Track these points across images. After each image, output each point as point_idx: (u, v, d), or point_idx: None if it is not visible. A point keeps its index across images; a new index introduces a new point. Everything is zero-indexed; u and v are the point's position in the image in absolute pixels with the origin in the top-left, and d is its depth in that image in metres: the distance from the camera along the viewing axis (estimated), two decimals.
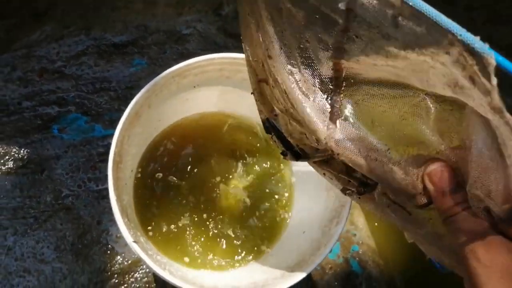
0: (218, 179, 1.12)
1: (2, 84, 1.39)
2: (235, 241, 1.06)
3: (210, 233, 1.06)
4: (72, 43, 1.50)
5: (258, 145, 1.19)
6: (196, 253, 1.03)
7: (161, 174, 1.10)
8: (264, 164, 1.17)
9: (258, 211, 1.11)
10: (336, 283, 1.34)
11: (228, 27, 1.61)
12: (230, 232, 1.06)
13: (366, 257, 1.42)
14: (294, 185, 1.18)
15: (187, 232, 1.05)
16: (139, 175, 1.08)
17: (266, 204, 1.13)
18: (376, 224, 1.62)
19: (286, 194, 1.15)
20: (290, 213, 1.09)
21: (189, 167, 1.12)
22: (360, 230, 1.45)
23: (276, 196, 1.15)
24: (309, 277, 1.30)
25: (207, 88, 1.08)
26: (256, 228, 1.09)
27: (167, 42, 1.56)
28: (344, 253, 1.39)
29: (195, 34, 1.58)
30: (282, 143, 0.70)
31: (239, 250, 1.06)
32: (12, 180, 1.26)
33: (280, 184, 1.17)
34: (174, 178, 1.10)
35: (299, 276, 0.79)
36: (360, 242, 1.44)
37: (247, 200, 1.11)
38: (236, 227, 1.03)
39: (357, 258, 1.40)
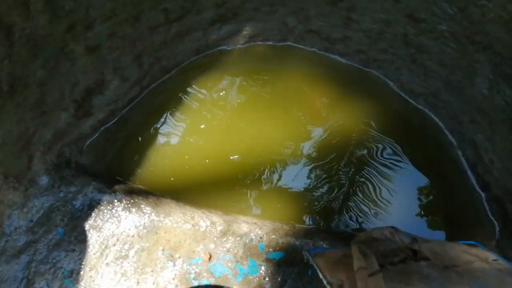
0: None
1: None
2: None
3: None
4: None
5: None
6: None
7: None
8: None
9: None
10: (287, 279, 1.45)
11: None
12: None
13: (275, 240, 1.54)
14: None
15: None
16: None
17: None
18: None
19: None
20: None
21: None
22: (251, 234, 1.55)
23: None
24: None
25: None
26: None
27: None
28: (261, 259, 1.48)
29: None
30: None
31: None
32: None
33: None
34: None
35: None
36: (259, 238, 1.54)
37: None
38: None
39: (271, 249, 1.51)
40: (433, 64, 1.83)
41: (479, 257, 1.35)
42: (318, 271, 1.38)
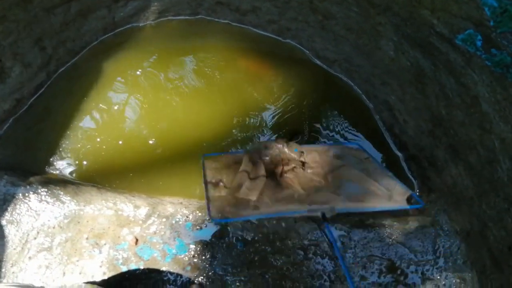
0: None
1: None
2: None
3: None
4: None
5: None
6: None
7: None
8: None
9: None
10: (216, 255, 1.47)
11: None
12: None
13: (202, 218, 1.56)
14: None
15: None
16: None
17: None
18: None
19: None
20: None
21: None
22: (177, 214, 1.55)
23: None
24: None
25: None
26: None
27: None
28: (189, 238, 1.51)
29: None
30: None
31: None
32: None
33: None
34: None
35: None
36: (185, 218, 1.55)
37: None
38: None
39: (197, 227, 1.53)
40: (340, 29, 1.85)
41: (356, 157, 1.68)
42: (202, 170, 1.58)
